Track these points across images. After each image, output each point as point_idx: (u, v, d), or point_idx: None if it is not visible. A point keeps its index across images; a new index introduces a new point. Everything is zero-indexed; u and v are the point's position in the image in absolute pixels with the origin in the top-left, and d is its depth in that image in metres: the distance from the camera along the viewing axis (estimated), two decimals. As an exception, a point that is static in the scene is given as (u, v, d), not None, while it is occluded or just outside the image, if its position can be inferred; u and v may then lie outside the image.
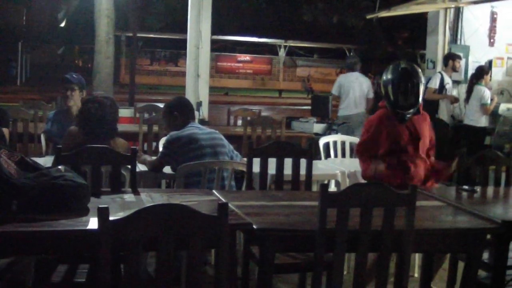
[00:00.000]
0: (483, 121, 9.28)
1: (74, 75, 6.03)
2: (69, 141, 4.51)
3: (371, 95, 9.41)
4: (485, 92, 9.14)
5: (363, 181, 5.16)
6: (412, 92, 4.45)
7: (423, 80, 4.55)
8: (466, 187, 4.27)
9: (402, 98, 4.45)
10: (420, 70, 4.58)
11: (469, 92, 9.34)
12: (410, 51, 32.32)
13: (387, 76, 4.55)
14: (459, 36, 10.48)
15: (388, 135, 4.52)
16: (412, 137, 4.54)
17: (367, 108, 9.26)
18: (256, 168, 4.47)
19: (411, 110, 4.52)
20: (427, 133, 4.65)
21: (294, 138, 8.25)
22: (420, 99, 4.53)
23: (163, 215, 2.47)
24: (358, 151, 4.68)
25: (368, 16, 13.59)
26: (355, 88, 9.36)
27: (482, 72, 9.30)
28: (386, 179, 4.49)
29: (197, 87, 9.70)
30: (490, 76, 9.92)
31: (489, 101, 9.14)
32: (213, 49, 15.56)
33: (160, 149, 5.09)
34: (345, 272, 3.36)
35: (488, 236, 3.53)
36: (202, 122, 8.13)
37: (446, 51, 10.36)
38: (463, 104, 9.70)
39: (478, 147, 8.79)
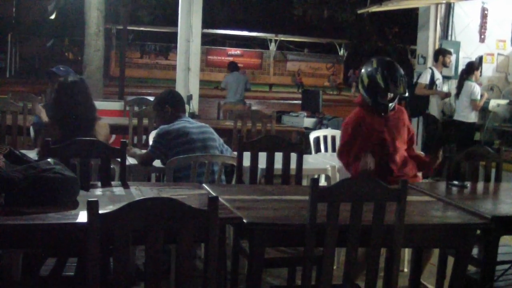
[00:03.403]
0: (472, 117, 9.30)
1: (60, 68, 6.01)
2: (48, 136, 4.43)
3: (249, 86, 13.26)
4: (475, 87, 9.16)
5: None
6: (401, 81, 4.47)
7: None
8: (456, 182, 4.28)
9: (393, 86, 4.44)
10: None
11: (459, 87, 9.35)
12: (400, 46, 32.38)
13: (372, 68, 4.52)
14: (449, 32, 10.48)
15: (371, 129, 4.50)
16: (391, 131, 4.54)
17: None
18: (246, 162, 4.46)
19: (395, 102, 4.52)
20: (404, 127, 4.64)
21: (284, 132, 8.24)
22: (406, 90, 4.55)
23: (153, 209, 2.46)
24: (341, 153, 4.60)
25: (359, 11, 13.59)
26: (238, 83, 12.77)
27: (472, 67, 9.32)
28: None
29: (188, 80, 9.69)
30: (481, 72, 9.94)
31: (479, 97, 9.16)
32: (203, 43, 15.56)
33: (150, 142, 5.07)
34: (334, 267, 3.36)
35: (478, 232, 3.54)
36: (192, 115, 8.12)
37: (436, 47, 10.36)
38: (453, 99, 9.72)
39: (468, 142, 8.82)
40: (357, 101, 4.69)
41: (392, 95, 4.48)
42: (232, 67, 13.59)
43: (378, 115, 4.54)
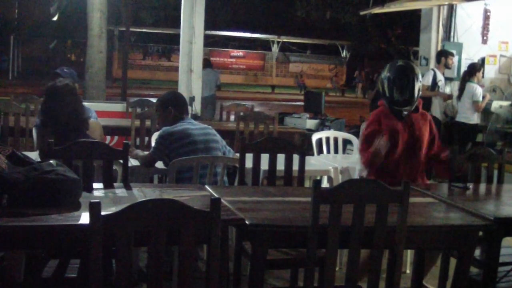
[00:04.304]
0: (475, 118, 9.29)
1: (65, 69, 6.02)
2: (43, 141, 4.42)
3: (219, 82, 14.19)
4: (477, 89, 9.16)
5: (355, 177, 5.17)
6: (407, 88, 4.44)
7: (420, 77, 4.52)
8: (458, 184, 4.27)
9: (398, 94, 4.44)
10: (417, 68, 4.57)
11: (461, 89, 9.35)
12: (403, 48, 32.38)
13: (384, 73, 4.54)
14: (452, 33, 10.48)
15: (387, 131, 4.48)
16: (411, 136, 4.52)
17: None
18: (248, 163, 4.46)
19: (408, 107, 4.50)
20: (426, 133, 4.62)
21: (286, 133, 8.23)
22: (416, 95, 4.50)
23: (155, 210, 2.46)
24: (362, 142, 4.56)
25: (362, 13, 13.59)
26: (209, 79, 13.37)
27: (474, 69, 9.31)
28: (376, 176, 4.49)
29: (190, 82, 9.70)
30: (483, 74, 9.93)
31: (480, 98, 9.15)
32: (206, 44, 15.67)
33: (153, 144, 5.07)
34: (337, 268, 3.36)
35: (480, 233, 3.53)
36: (195, 117, 8.12)
37: (439, 48, 10.36)
38: (456, 101, 9.71)
39: (471, 144, 8.82)
40: (380, 103, 4.69)
41: (401, 101, 4.47)
42: (205, 63, 14.28)
43: (398, 119, 4.53)
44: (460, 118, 9.40)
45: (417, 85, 4.48)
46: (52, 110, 4.40)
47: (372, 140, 4.43)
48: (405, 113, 4.50)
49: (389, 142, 4.33)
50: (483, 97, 9.24)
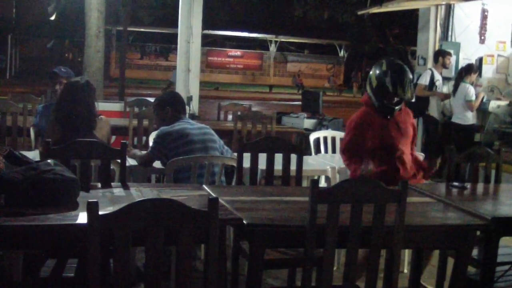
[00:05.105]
0: (470, 118, 9.27)
1: (62, 69, 6.03)
2: (48, 135, 4.46)
3: None
4: (469, 88, 9.13)
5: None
6: (409, 86, 4.46)
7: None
8: (456, 183, 4.28)
9: (401, 91, 4.43)
10: None
11: (456, 86, 9.33)
12: (400, 47, 32.36)
13: (382, 70, 4.49)
14: (450, 33, 10.48)
15: (377, 131, 4.49)
16: (398, 132, 4.53)
17: None
18: (246, 163, 4.46)
19: (401, 105, 4.52)
20: (410, 129, 4.64)
21: (284, 133, 8.23)
22: (413, 95, 4.54)
23: (153, 210, 2.46)
24: (344, 150, 4.60)
25: (359, 12, 13.60)
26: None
27: (470, 69, 9.30)
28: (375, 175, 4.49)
29: (188, 81, 9.70)
30: (480, 74, 9.94)
31: (473, 98, 9.13)
32: (203, 44, 15.69)
33: (150, 143, 5.07)
34: (334, 268, 3.35)
35: (478, 233, 3.53)
36: (193, 116, 8.12)
37: (436, 48, 10.36)
38: (452, 98, 9.71)
39: (468, 144, 8.81)
40: (363, 100, 4.68)
41: (398, 99, 4.47)
42: None
43: (384, 117, 4.53)
44: (455, 119, 9.39)
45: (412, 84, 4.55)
46: (64, 105, 4.48)
47: (353, 148, 4.47)
48: (396, 109, 4.51)
49: (373, 168, 4.37)
50: (477, 96, 9.24)
